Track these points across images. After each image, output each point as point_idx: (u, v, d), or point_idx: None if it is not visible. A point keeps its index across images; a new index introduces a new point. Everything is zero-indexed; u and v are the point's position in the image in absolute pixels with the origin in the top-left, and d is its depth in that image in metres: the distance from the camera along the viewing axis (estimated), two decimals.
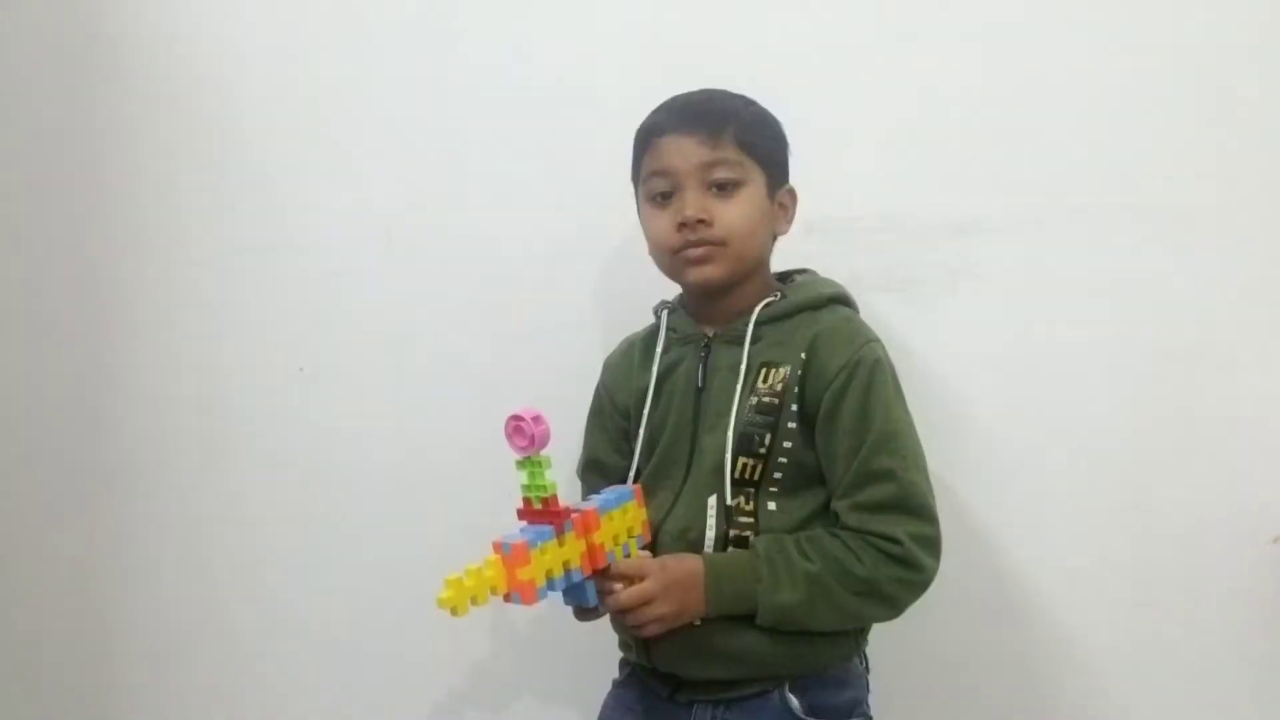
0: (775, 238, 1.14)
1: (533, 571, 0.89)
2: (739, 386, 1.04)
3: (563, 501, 0.94)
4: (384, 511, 1.41)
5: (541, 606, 1.31)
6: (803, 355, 1.04)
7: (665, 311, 1.14)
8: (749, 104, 1.11)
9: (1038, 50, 1.36)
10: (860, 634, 1.11)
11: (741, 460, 1.02)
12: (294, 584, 1.41)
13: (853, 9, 1.38)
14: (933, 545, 1.02)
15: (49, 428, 1.43)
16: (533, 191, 1.39)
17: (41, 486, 1.43)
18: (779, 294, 1.10)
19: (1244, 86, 1.34)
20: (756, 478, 1.03)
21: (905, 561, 0.99)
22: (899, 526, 0.99)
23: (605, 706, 1.17)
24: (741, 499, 1.03)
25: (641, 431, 1.10)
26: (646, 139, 1.09)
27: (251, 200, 1.42)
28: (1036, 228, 1.35)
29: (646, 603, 0.96)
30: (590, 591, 0.97)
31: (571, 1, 1.41)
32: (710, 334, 1.09)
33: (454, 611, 0.84)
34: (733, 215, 1.04)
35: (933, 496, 1.04)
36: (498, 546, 0.89)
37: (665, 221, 1.06)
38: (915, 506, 1.01)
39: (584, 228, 1.37)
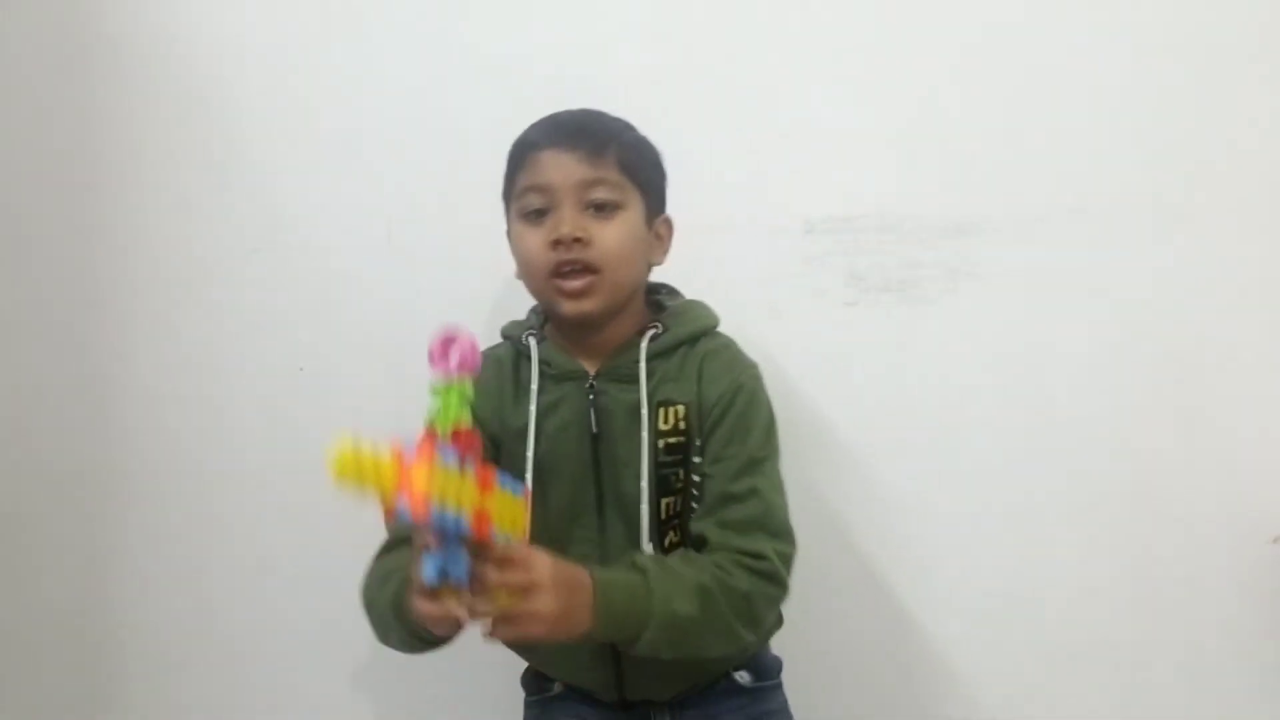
0: (650, 267, 1.08)
1: (432, 485, 0.74)
2: (644, 432, 0.99)
3: None
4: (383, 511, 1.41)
5: None
6: (695, 390, 1.01)
7: (534, 341, 1.05)
8: (630, 128, 1.07)
9: (1038, 51, 1.36)
10: (779, 619, 1.11)
11: (664, 501, 1.00)
12: (294, 584, 1.41)
13: (853, 9, 1.38)
14: (790, 564, 0.98)
15: (49, 428, 1.43)
16: None
17: (41, 486, 1.43)
18: (658, 325, 1.04)
19: (1244, 87, 1.34)
20: (679, 510, 1.02)
21: (772, 578, 0.95)
22: (766, 544, 0.96)
23: None
24: (671, 534, 1.01)
25: (527, 477, 1.01)
26: (522, 153, 1.03)
27: (251, 200, 1.42)
28: (1036, 228, 1.35)
29: (531, 590, 0.81)
30: (464, 564, 0.80)
31: (572, 4, 1.41)
32: (592, 372, 1.03)
33: (340, 479, 0.72)
34: (610, 237, 0.99)
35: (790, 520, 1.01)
36: (396, 446, 0.76)
37: (538, 239, 1.00)
38: (777, 526, 0.98)
39: None
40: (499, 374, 1.06)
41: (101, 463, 1.43)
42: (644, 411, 1.00)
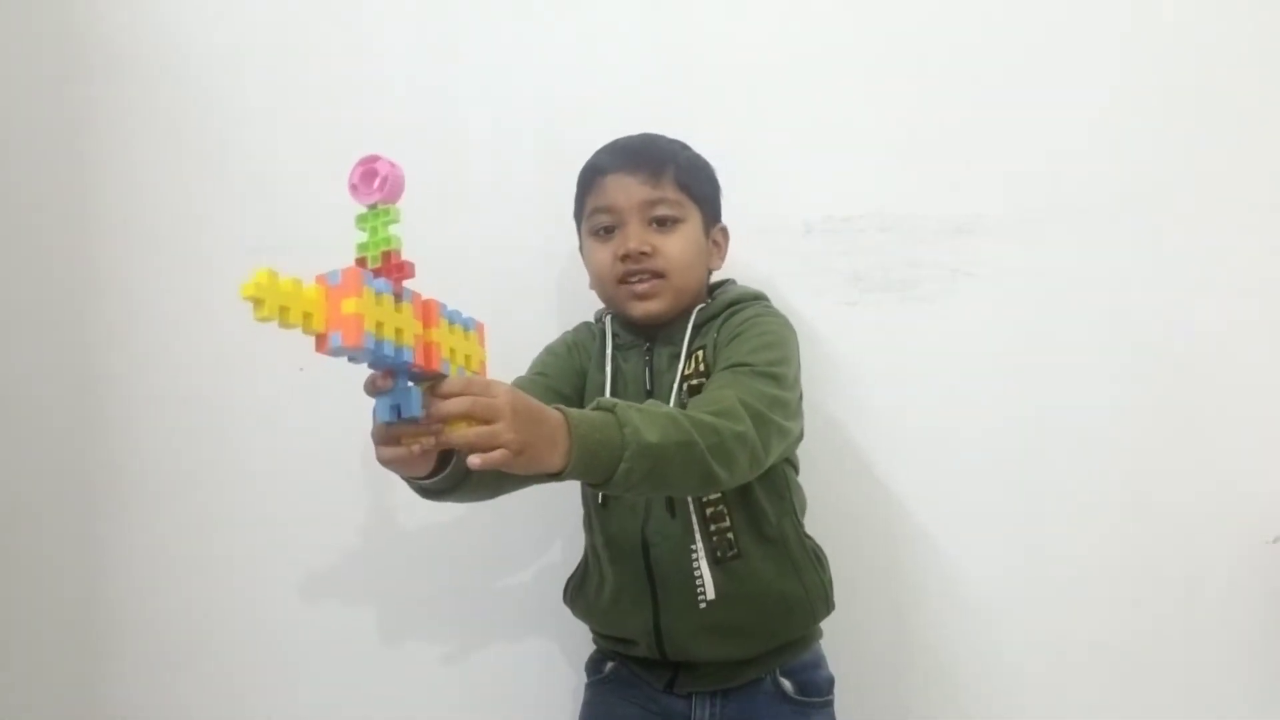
0: (710, 273, 1.20)
1: (363, 307, 0.71)
2: (677, 377, 1.11)
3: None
4: (384, 511, 1.41)
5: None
6: (716, 334, 1.12)
7: (609, 319, 1.20)
8: (685, 148, 1.19)
9: (1038, 51, 1.36)
10: (826, 601, 1.15)
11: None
12: (294, 584, 1.41)
13: (853, 10, 1.38)
14: (764, 426, 0.99)
15: (49, 428, 1.43)
16: (533, 192, 1.38)
17: (42, 486, 1.43)
18: (708, 301, 1.17)
19: (1244, 87, 1.34)
20: None
21: (732, 414, 0.96)
22: (730, 395, 0.98)
23: (589, 705, 1.22)
24: None
25: None
26: (591, 178, 1.16)
27: (251, 200, 1.42)
28: (1036, 228, 1.35)
29: (491, 420, 0.79)
30: (416, 398, 0.78)
31: (571, 5, 1.41)
32: (651, 340, 1.16)
33: (258, 308, 0.67)
34: (673, 248, 1.12)
35: (771, 418, 1.01)
36: (320, 277, 0.72)
37: (607, 254, 1.13)
38: (745, 396, 0.99)
39: None
40: (590, 341, 1.21)
41: (102, 462, 1.43)
42: (681, 362, 1.11)
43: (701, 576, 1.08)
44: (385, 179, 0.79)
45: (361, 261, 0.78)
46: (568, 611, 1.24)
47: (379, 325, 0.73)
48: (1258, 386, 1.33)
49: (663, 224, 1.12)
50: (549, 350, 1.22)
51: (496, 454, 0.79)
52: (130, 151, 1.43)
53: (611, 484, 0.88)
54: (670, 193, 1.12)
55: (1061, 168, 1.35)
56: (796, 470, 1.20)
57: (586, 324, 1.26)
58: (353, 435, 1.40)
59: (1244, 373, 1.33)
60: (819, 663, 1.17)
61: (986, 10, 1.36)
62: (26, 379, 1.43)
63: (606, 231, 1.14)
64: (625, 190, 1.11)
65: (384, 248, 0.78)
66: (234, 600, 1.42)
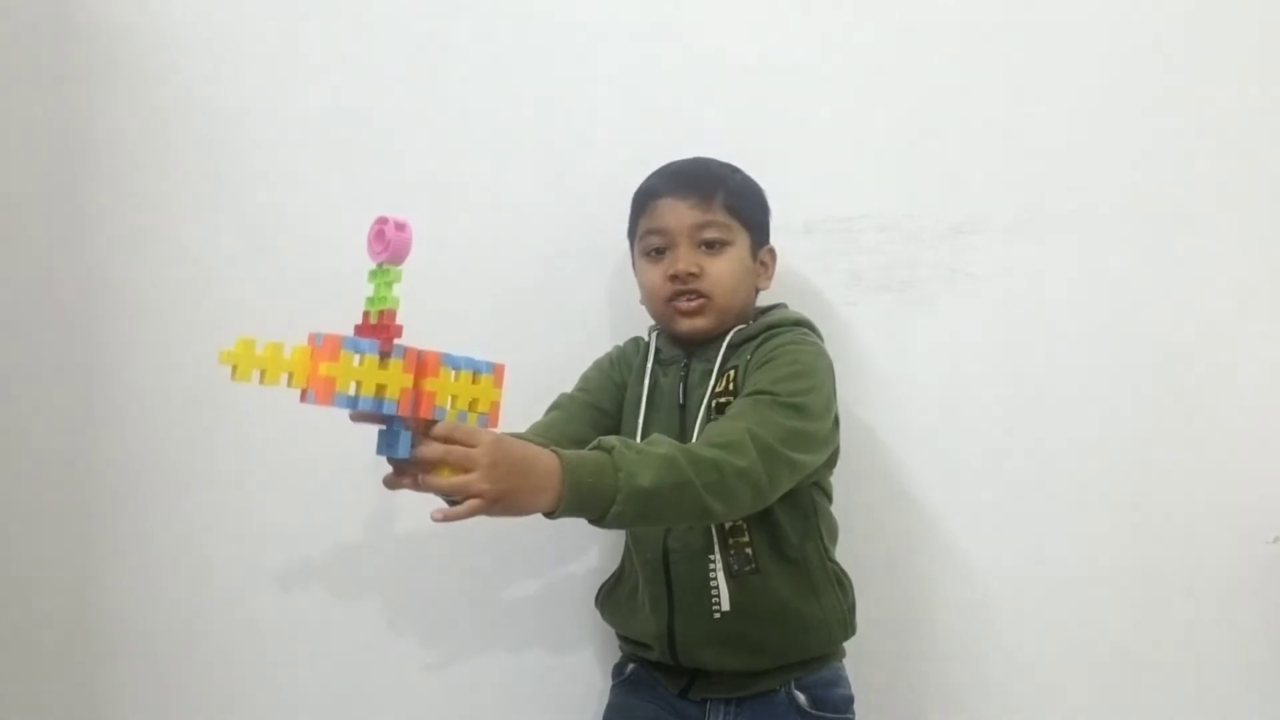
0: (757, 292, 1.23)
1: (337, 371, 0.82)
2: (707, 393, 1.13)
3: (408, 341, 0.87)
4: (384, 512, 1.41)
5: (534, 619, 1.32)
6: (749, 356, 1.13)
7: (654, 335, 1.24)
8: (735, 172, 1.21)
9: (1037, 51, 1.36)
10: (845, 625, 1.17)
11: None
12: (294, 584, 1.41)
13: (853, 10, 1.38)
14: (772, 461, 1.00)
15: (48, 428, 1.43)
16: (532, 192, 1.38)
17: (40, 486, 1.43)
18: (748, 323, 1.18)
19: (1243, 87, 1.34)
20: None
21: (738, 448, 0.98)
22: (737, 427, 1.00)
23: (611, 706, 1.25)
24: None
25: (637, 438, 1.14)
26: (644, 201, 1.19)
27: (251, 200, 1.42)
28: (1036, 228, 1.35)
29: (467, 469, 0.86)
30: (404, 442, 0.87)
31: (571, 5, 1.41)
32: (688, 356, 1.19)
33: (234, 371, 0.78)
34: (719, 270, 1.15)
35: (782, 452, 1.02)
36: (311, 337, 0.83)
37: (658, 274, 1.16)
38: (759, 426, 1.01)
39: (583, 229, 1.37)
40: (635, 355, 1.25)
41: (99, 462, 1.43)
42: (712, 378, 1.14)
43: (718, 588, 1.10)
44: (390, 243, 0.85)
45: (366, 316, 0.88)
46: (597, 617, 1.27)
47: (358, 384, 0.84)
48: (1258, 386, 1.33)
49: (711, 246, 1.15)
50: (595, 365, 1.27)
51: (466, 504, 0.86)
52: (129, 151, 1.43)
53: (604, 523, 0.93)
54: (719, 216, 1.15)
55: (1061, 168, 1.35)
56: (829, 498, 1.20)
57: (637, 339, 1.29)
58: (352, 436, 1.40)
59: (1244, 373, 1.33)
60: (837, 681, 1.17)
61: (987, 10, 1.36)
62: (24, 379, 1.43)
63: (658, 253, 1.17)
64: (676, 214, 1.15)
65: (382, 306, 0.86)
66: (234, 600, 1.42)
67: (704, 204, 1.15)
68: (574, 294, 1.39)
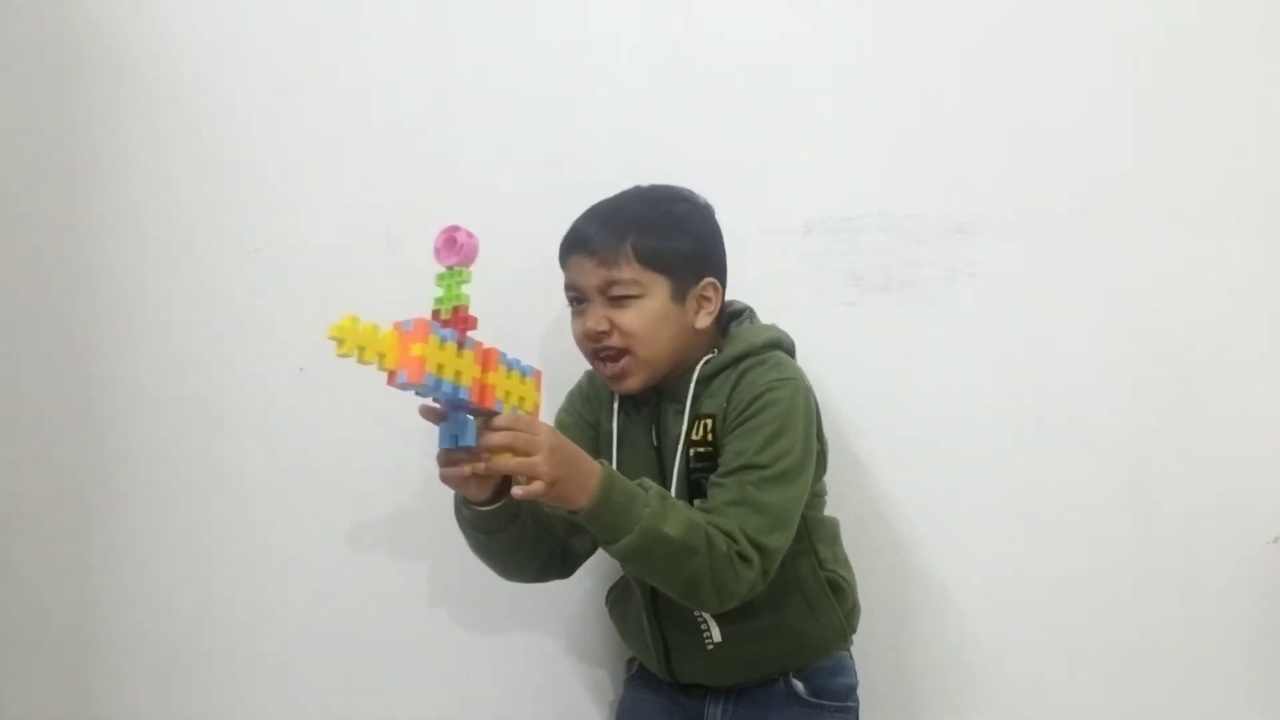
0: (696, 330, 1.14)
1: (427, 352, 0.86)
2: (680, 446, 1.12)
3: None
4: (384, 511, 1.41)
5: (536, 605, 1.32)
6: (725, 403, 1.11)
7: None
8: (659, 205, 1.14)
9: (1037, 51, 1.36)
10: (843, 634, 1.18)
11: (696, 503, 1.07)
12: (294, 584, 1.41)
13: (853, 10, 1.38)
14: (770, 559, 1.03)
15: (48, 428, 1.43)
16: (532, 191, 1.38)
17: (40, 486, 1.43)
18: (716, 350, 1.15)
19: (1244, 87, 1.34)
20: None
21: (745, 558, 1.01)
22: (736, 525, 1.02)
23: (623, 703, 1.29)
24: None
25: None
26: (561, 255, 1.16)
27: (251, 200, 1.42)
28: (1036, 228, 1.35)
29: (530, 454, 0.93)
30: (471, 430, 0.93)
31: (571, 5, 1.41)
32: (658, 395, 1.16)
33: (340, 345, 0.81)
34: (628, 322, 1.10)
35: (775, 548, 1.04)
36: (398, 324, 0.87)
37: (578, 328, 1.15)
38: (759, 516, 1.03)
39: None
40: (599, 392, 1.23)
41: (101, 463, 1.43)
42: (684, 428, 1.12)
43: (706, 623, 1.12)
44: (462, 247, 0.93)
45: (436, 313, 0.93)
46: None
47: (440, 367, 0.88)
48: (1258, 386, 1.33)
49: (620, 300, 1.11)
50: (568, 404, 1.26)
51: (535, 485, 0.93)
52: (128, 151, 1.43)
53: (614, 548, 0.98)
54: (625, 271, 1.10)
55: (1061, 168, 1.35)
56: (823, 501, 1.19)
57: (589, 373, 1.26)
58: (352, 435, 1.40)
59: (1244, 373, 1.33)
60: (839, 670, 1.18)
61: (987, 10, 1.36)
62: (23, 379, 1.43)
63: (577, 302, 1.15)
64: (583, 272, 1.12)
65: (455, 303, 0.93)
66: (234, 600, 1.42)
67: (609, 259, 1.10)
68: None
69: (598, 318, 1.11)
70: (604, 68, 1.40)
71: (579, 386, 1.27)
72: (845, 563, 1.20)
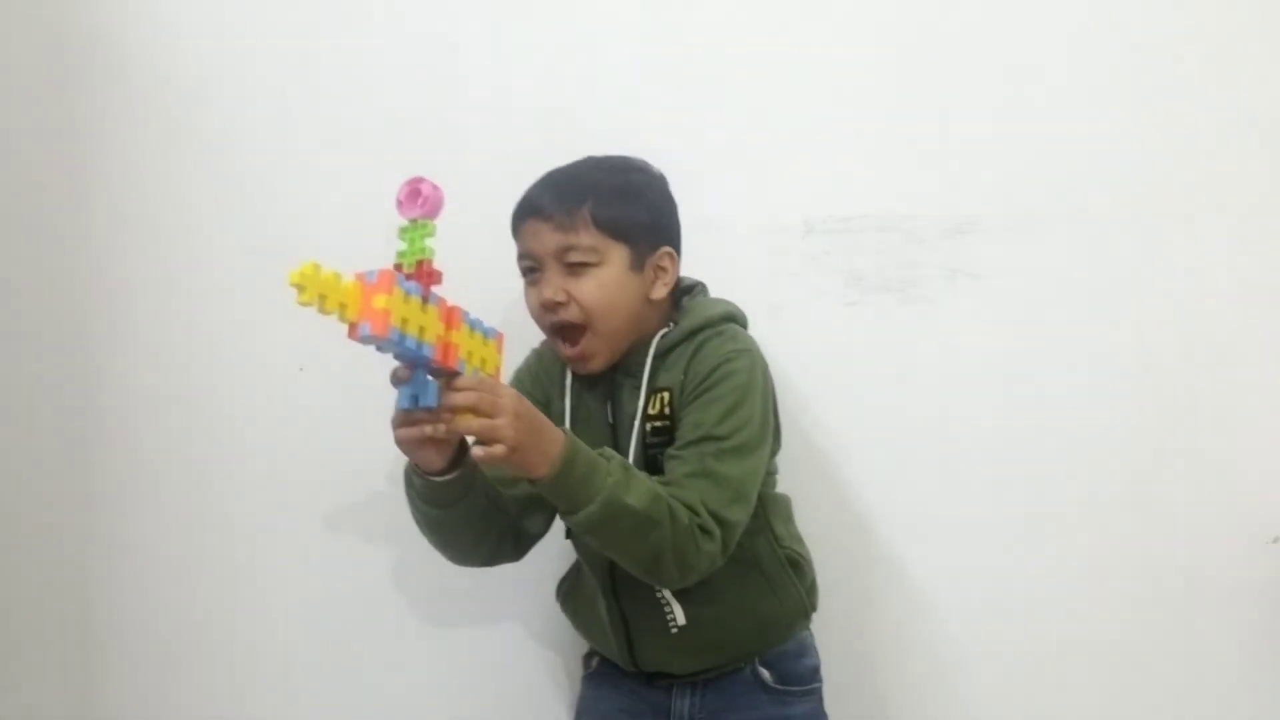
0: (652, 301, 1.12)
1: (392, 304, 0.81)
2: (638, 419, 1.09)
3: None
4: (384, 511, 1.41)
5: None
6: (682, 375, 1.09)
7: None
8: (617, 174, 1.12)
9: (1037, 51, 1.36)
10: (804, 611, 1.17)
11: (656, 478, 1.04)
12: (293, 584, 1.41)
13: (853, 11, 1.38)
14: (730, 531, 1.01)
15: (47, 428, 1.43)
16: None
17: (40, 487, 1.43)
18: (671, 324, 1.13)
19: (1244, 87, 1.34)
20: None
21: (706, 530, 0.99)
22: (697, 497, 1.00)
23: (583, 699, 1.25)
24: None
25: None
26: (515, 221, 1.12)
27: (251, 200, 1.42)
28: (1036, 228, 1.35)
29: (493, 417, 0.89)
30: (433, 390, 0.89)
31: (571, 4, 1.41)
32: (613, 371, 1.13)
33: (301, 293, 0.77)
34: (585, 292, 1.07)
35: (736, 520, 1.03)
36: (360, 275, 0.83)
37: (534, 298, 1.11)
38: (719, 489, 1.02)
39: None
40: (549, 368, 1.19)
41: (101, 463, 1.43)
42: (640, 401, 1.09)
43: (669, 604, 1.10)
44: (426, 198, 0.89)
45: (398, 267, 0.88)
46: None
47: (404, 321, 0.83)
48: (1258, 386, 1.33)
49: (576, 268, 1.07)
50: (515, 385, 1.19)
51: (496, 449, 0.89)
52: (129, 151, 1.43)
53: (575, 519, 0.96)
54: (584, 237, 1.06)
55: (1061, 168, 1.35)
56: (774, 482, 1.18)
57: (538, 350, 1.23)
58: (352, 435, 1.40)
59: (1244, 373, 1.33)
60: (802, 652, 1.17)
61: (987, 10, 1.36)
62: (23, 379, 1.43)
63: (531, 272, 1.11)
64: (539, 238, 1.08)
65: (419, 257, 0.89)
66: (234, 600, 1.42)
67: (567, 223, 1.06)
68: None
69: (554, 287, 1.07)
70: (603, 68, 1.40)
71: (526, 364, 1.23)
72: (800, 540, 1.19)
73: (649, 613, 1.11)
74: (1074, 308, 1.34)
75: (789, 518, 1.20)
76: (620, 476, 0.95)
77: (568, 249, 1.07)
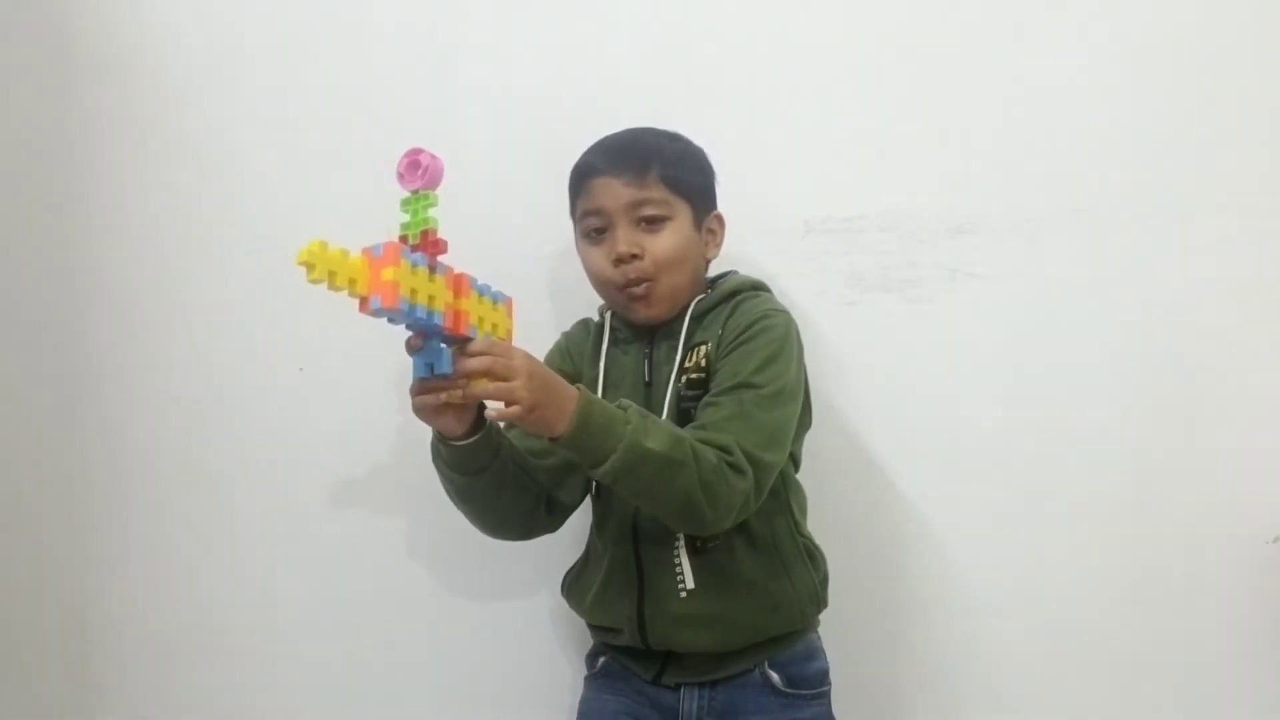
0: (707, 262, 1.20)
1: (400, 276, 0.83)
2: (674, 372, 1.12)
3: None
4: (383, 511, 1.41)
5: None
6: (720, 330, 1.12)
7: (608, 315, 1.21)
8: (674, 140, 1.17)
9: (1037, 51, 1.36)
10: (817, 600, 1.17)
11: (690, 425, 1.06)
12: (292, 584, 1.41)
13: (853, 10, 1.38)
14: (765, 472, 1.03)
15: (47, 429, 1.43)
16: (532, 191, 1.38)
17: (40, 487, 1.43)
18: (708, 290, 1.18)
19: (1244, 86, 1.34)
20: None
21: (738, 469, 1.00)
22: (733, 439, 1.02)
23: (584, 701, 1.24)
24: None
25: None
26: (579, 180, 1.16)
27: (251, 200, 1.42)
28: (1036, 228, 1.35)
29: (508, 379, 0.92)
30: (446, 357, 0.91)
31: (571, 4, 1.41)
32: (650, 332, 1.17)
33: (310, 270, 0.77)
34: (661, 247, 1.12)
35: (770, 460, 1.05)
36: (366, 249, 0.84)
37: (600, 257, 1.14)
38: (754, 433, 1.03)
39: None
40: (585, 339, 1.23)
41: (99, 462, 1.43)
42: (678, 355, 1.12)
43: (681, 566, 1.10)
44: (426, 169, 0.90)
45: (403, 239, 0.90)
46: (567, 606, 1.25)
47: (413, 292, 0.85)
48: (1258, 387, 1.33)
49: (650, 223, 1.12)
50: (546, 361, 1.23)
51: (512, 409, 0.92)
52: (129, 151, 1.43)
53: (600, 471, 0.97)
54: (655, 192, 1.12)
55: (1061, 168, 1.35)
56: (797, 467, 1.20)
57: (584, 321, 1.27)
58: (352, 435, 1.40)
59: (1244, 373, 1.33)
60: (812, 655, 1.17)
61: (988, 10, 1.36)
62: (23, 379, 1.43)
63: (598, 233, 1.14)
64: (612, 193, 1.11)
65: (423, 227, 0.90)
66: (234, 600, 1.42)
67: (639, 179, 1.11)
68: (574, 294, 1.38)
69: (629, 240, 1.11)
70: (603, 67, 1.40)
71: (556, 346, 1.26)
72: (813, 539, 1.20)
73: (663, 574, 1.11)
74: (1074, 308, 1.34)
75: (805, 510, 1.20)
76: (638, 423, 0.97)
77: (641, 203, 1.11)
